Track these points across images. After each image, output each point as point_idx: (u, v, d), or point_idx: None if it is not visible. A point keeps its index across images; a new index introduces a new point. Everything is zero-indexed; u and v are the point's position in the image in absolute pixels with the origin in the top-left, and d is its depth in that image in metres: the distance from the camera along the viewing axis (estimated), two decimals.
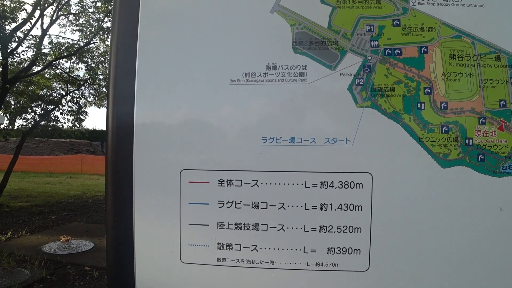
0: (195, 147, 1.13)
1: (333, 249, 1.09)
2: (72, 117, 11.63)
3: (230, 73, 1.12)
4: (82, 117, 11.97)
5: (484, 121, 1.08)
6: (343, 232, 1.09)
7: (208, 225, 1.12)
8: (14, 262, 5.02)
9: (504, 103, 1.08)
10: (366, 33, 1.10)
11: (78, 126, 12.02)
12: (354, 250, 1.09)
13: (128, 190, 1.15)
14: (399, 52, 1.09)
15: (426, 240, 1.08)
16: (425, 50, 1.09)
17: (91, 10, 10.86)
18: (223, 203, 1.11)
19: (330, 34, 1.10)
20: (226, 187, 1.11)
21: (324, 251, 1.09)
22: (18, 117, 11.02)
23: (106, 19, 10.62)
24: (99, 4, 10.50)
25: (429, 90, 1.08)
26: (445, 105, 1.08)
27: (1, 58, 8.87)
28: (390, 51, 1.09)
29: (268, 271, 1.11)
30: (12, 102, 11.03)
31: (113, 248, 1.20)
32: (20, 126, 13.26)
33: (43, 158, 19.67)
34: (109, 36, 10.71)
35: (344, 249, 1.09)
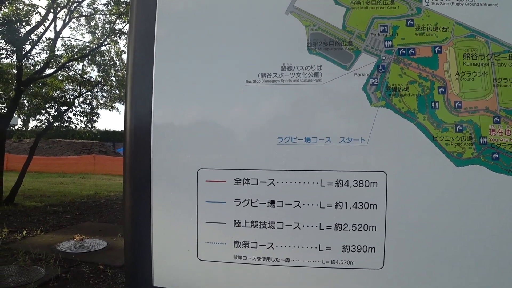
0: (212, 146, 1.15)
1: (348, 247, 1.10)
2: (85, 118, 11.75)
3: (246, 73, 1.14)
4: (94, 118, 12.09)
5: (498, 120, 1.08)
6: (358, 230, 1.10)
7: (225, 223, 1.14)
8: (30, 260, 5.09)
9: None
10: (380, 33, 1.11)
11: (90, 127, 12.13)
12: (369, 248, 1.10)
13: (146, 189, 1.17)
14: (413, 52, 1.10)
15: (440, 239, 1.09)
16: (439, 49, 1.10)
17: (102, 12, 10.99)
18: (240, 202, 1.13)
19: (345, 35, 1.12)
20: (242, 185, 1.13)
21: (339, 249, 1.11)
22: (32, 118, 11.14)
23: (118, 21, 10.72)
24: (110, 7, 10.61)
25: (443, 90, 1.09)
26: (459, 104, 1.08)
27: (16, 60, 9.01)
28: (404, 51, 1.10)
29: (283, 268, 1.12)
30: (26, 104, 11.17)
31: (131, 246, 1.23)
32: (34, 127, 13.44)
33: (56, 159, 19.90)
34: (121, 38, 10.88)
35: (359, 247, 1.10)
